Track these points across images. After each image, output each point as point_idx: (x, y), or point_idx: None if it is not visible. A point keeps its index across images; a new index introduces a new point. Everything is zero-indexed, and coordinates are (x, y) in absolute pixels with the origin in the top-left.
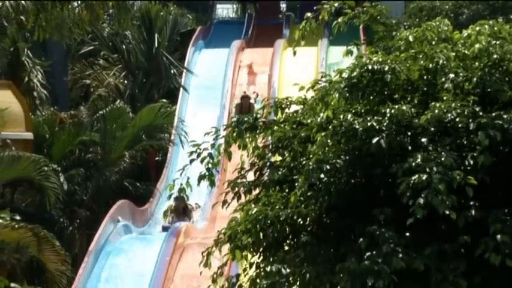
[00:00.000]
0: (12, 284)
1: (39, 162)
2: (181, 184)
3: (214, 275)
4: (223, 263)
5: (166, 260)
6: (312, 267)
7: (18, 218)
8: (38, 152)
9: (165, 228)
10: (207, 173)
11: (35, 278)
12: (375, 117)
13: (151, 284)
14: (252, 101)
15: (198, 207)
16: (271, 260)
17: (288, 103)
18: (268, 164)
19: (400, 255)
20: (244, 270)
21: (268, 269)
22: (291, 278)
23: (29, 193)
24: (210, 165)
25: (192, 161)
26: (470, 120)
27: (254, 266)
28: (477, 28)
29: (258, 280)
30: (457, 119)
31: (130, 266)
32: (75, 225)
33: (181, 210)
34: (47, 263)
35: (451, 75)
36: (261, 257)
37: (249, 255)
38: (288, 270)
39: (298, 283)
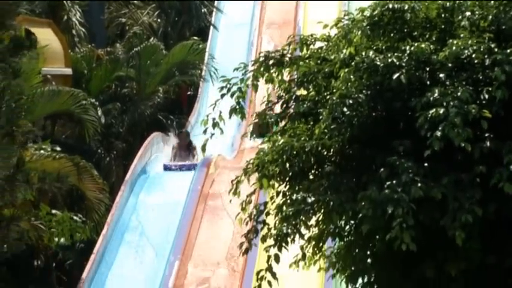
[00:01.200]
0: (54, 211)
1: (78, 96)
2: (214, 118)
3: (243, 203)
4: (252, 191)
5: (198, 189)
6: (335, 195)
7: (58, 149)
8: (77, 87)
9: (166, 167)
10: (237, 107)
11: (74, 206)
12: (395, 54)
13: (184, 212)
14: None
15: None
16: (296, 188)
17: (313, 40)
18: (293, 97)
19: (419, 184)
20: (271, 198)
21: (294, 197)
22: (315, 206)
23: (69, 126)
24: (239, 99)
25: (223, 95)
26: (486, 57)
27: (281, 194)
28: None
29: (284, 208)
30: (473, 55)
31: (163, 194)
32: (112, 156)
33: (186, 145)
34: (86, 191)
35: (468, 14)
36: (287, 186)
37: (276, 184)
38: (313, 198)
39: (322, 211)
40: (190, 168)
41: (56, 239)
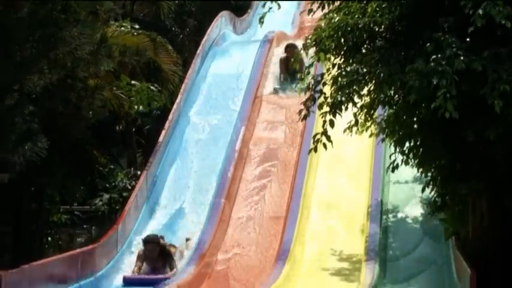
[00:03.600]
0: (133, 82)
1: None
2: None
3: (302, 75)
4: (310, 63)
5: (262, 62)
6: (385, 67)
7: (137, 26)
8: None
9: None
10: None
11: (151, 77)
12: None
13: (249, 80)
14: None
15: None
16: (350, 61)
17: None
18: None
19: (461, 57)
20: (328, 70)
21: (348, 69)
22: (367, 77)
23: (146, 5)
24: None
25: None
26: None
27: (336, 67)
28: None
29: (339, 78)
30: None
31: (231, 67)
32: (185, 32)
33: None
34: (161, 64)
35: None
36: (342, 59)
37: (332, 57)
38: (365, 70)
39: (373, 81)
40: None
41: (135, 107)
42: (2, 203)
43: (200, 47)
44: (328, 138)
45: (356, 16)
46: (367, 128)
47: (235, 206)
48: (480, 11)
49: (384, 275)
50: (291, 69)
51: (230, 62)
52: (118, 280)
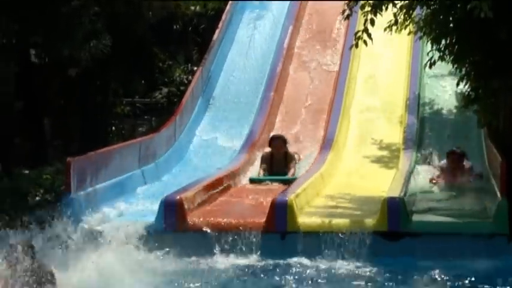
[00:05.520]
0: None
1: None
2: None
3: None
4: None
5: None
6: None
7: None
8: None
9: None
10: None
11: None
12: None
13: None
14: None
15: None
16: None
17: None
18: None
19: None
20: None
21: None
22: None
23: None
24: None
25: None
26: None
27: None
28: None
29: None
30: None
31: None
32: None
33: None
34: None
35: None
36: None
37: None
38: None
39: None
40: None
41: (192, 8)
42: (70, 96)
43: None
44: (369, 35)
45: None
46: (406, 26)
47: (284, 98)
48: None
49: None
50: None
51: None
52: (176, 167)
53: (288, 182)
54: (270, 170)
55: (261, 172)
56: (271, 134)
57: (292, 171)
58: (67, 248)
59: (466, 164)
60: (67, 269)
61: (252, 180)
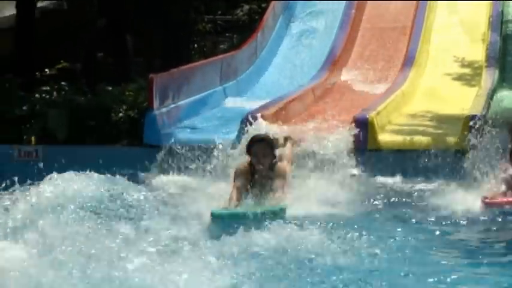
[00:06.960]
0: None
1: None
2: None
3: None
4: None
5: None
6: None
7: None
8: None
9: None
10: None
11: None
12: None
13: None
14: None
15: None
16: None
17: None
18: None
19: None
20: None
21: None
22: None
23: None
24: None
25: None
26: None
27: None
28: None
29: None
30: None
31: None
32: None
33: None
34: None
35: None
36: None
37: None
38: None
39: None
40: None
41: None
42: (153, 13)
43: None
44: None
45: None
46: None
47: (364, 16)
48: None
49: (503, 79)
50: None
51: None
52: (257, 84)
53: (273, 215)
54: (247, 190)
55: (233, 197)
56: (255, 134)
57: (279, 193)
58: None
59: None
60: None
61: (214, 216)
